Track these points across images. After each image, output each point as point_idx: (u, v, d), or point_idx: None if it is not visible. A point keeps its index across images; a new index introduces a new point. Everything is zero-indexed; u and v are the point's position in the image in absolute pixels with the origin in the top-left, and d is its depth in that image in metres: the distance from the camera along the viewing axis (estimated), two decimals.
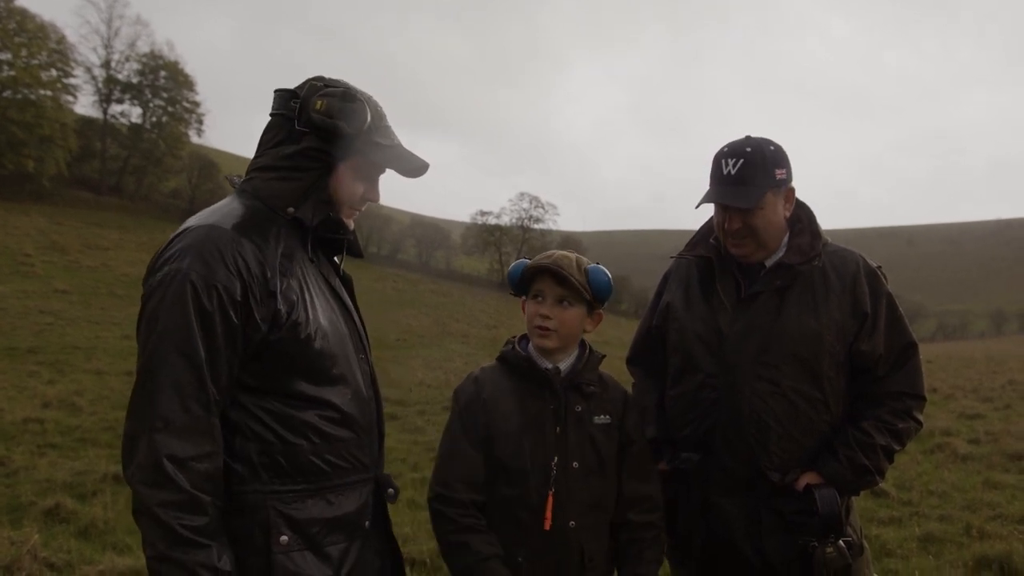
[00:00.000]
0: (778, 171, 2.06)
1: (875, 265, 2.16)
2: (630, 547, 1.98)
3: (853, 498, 2.16)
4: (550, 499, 1.90)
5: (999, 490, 6.14)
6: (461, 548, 1.86)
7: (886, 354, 2.09)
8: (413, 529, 4.89)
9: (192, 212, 1.85)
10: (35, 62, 40.74)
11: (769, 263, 2.13)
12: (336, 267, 1.78)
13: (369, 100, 1.66)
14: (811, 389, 2.06)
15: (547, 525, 1.89)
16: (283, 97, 1.66)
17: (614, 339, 20.03)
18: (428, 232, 64.06)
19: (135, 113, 48.85)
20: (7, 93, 39.22)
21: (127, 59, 48.40)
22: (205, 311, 1.43)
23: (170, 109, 49.62)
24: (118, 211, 42.84)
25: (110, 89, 47.69)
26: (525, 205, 64.92)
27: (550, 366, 1.99)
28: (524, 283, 2.02)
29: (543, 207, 65.36)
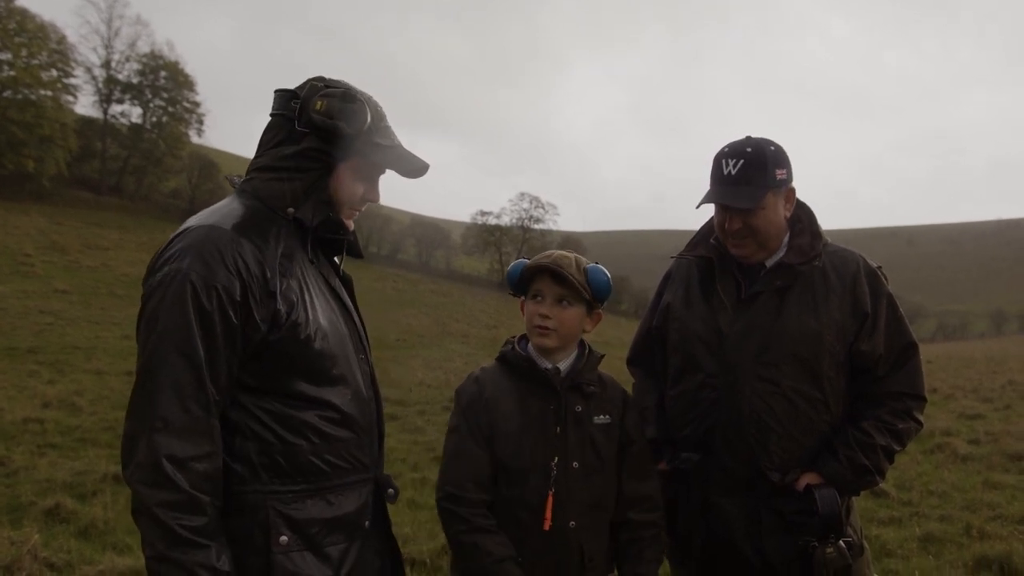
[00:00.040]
0: (779, 171, 2.05)
1: (875, 265, 2.16)
2: (630, 547, 1.98)
3: (853, 498, 2.15)
4: (550, 499, 1.89)
5: (999, 490, 6.14)
6: (475, 549, 1.85)
7: (886, 354, 2.09)
8: (413, 529, 4.89)
9: (192, 212, 1.85)
10: (35, 62, 40.76)
11: (769, 263, 2.13)
12: (336, 267, 1.78)
13: (369, 101, 1.66)
14: (811, 389, 2.06)
15: (547, 525, 1.88)
16: (283, 97, 1.65)
17: (614, 339, 20.03)
18: (428, 232, 64.09)
19: (135, 113, 49.01)
20: (7, 93, 39.24)
21: (127, 59, 48.54)
22: (205, 311, 1.43)
23: (170, 109, 49.66)
24: (118, 211, 42.85)
25: (110, 89, 47.74)
26: (525, 205, 65.04)
27: (550, 366, 1.99)
28: (523, 283, 2.02)
29: (543, 207, 65.48)
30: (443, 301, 41.28)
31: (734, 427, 2.07)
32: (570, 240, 74.71)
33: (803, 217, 2.18)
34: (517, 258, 2.08)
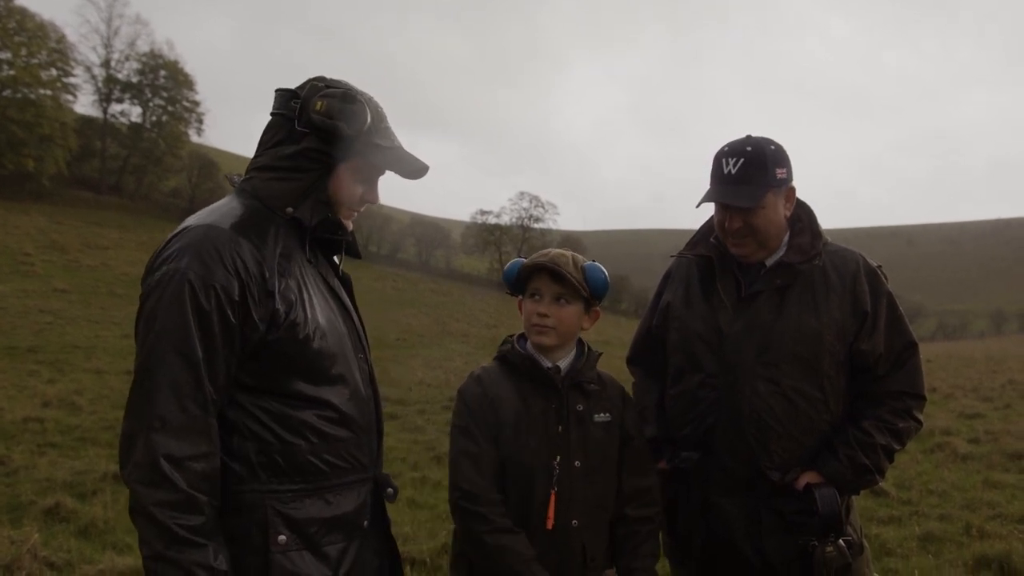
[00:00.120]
0: (779, 170, 2.05)
1: (875, 264, 2.16)
2: (626, 541, 1.98)
3: (853, 497, 2.15)
4: (552, 498, 1.89)
5: (999, 489, 6.14)
6: (501, 550, 1.84)
7: (886, 353, 2.09)
8: (413, 529, 4.89)
9: (192, 211, 1.84)
10: (35, 61, 40.74)
11: (769, 262, 2.13)
12: (335, 267, 1.78)
13: (369, 101, 1.66)
14: (811, 388, 2.06)
15: (549, 524, 1.88)
16: (284, 97, 1.65)
17: (614, 339, 20.02)
18: (428, 231, 64.06)
19: (135, 112, 48.98)
20: (7, 92, 39.22)
21: (127, 58, 48.52)
22: (203, 311, 1.43)
23: (170, 108, 49.63)
24: (118, 210, 42.84)
25: (110, 88, 47.71)
26: (525, 204, 65.02)
27: (551, 365, 1.99)
28: (520, 282, 2.02)
29: (543, 207, 65.45)
30: (443, 300, 41.27)
31: (734, 426, 2.07)
32: (570, 239, 74.74)
33: (803, 216, 2.18)
34: (517, 257, 2.08)
